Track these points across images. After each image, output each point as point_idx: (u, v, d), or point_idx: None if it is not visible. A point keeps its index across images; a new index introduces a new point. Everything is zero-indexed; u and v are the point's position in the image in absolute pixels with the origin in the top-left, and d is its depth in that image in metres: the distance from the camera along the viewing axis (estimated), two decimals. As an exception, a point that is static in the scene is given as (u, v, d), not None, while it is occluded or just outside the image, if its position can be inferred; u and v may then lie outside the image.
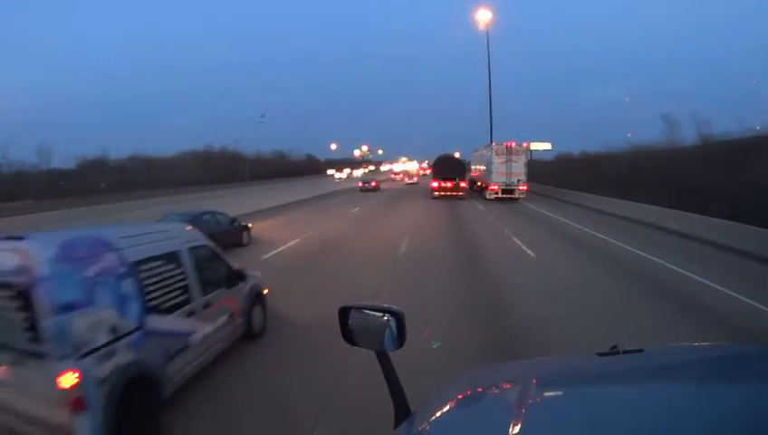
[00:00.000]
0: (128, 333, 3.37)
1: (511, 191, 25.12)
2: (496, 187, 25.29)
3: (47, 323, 2.93)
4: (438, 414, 1.09)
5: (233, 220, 12.21)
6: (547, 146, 44.57)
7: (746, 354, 1.40)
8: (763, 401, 0.95)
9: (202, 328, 4.23)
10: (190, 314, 4.10)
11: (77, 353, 3.00)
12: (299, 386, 4.24)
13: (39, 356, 2.98)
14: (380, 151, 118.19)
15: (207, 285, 4.44)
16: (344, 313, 1.52)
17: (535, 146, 42.40)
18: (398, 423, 1.25)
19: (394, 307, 1.45)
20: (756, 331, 5.54)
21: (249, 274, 5.46)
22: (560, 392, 1.26)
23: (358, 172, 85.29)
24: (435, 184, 28.55)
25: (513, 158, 25.37)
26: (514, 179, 25.19)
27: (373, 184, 38.35)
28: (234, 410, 3.90)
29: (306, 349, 5.12)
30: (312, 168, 79.18)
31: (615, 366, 1.30)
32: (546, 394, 1.23)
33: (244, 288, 5.19)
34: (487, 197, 25.89)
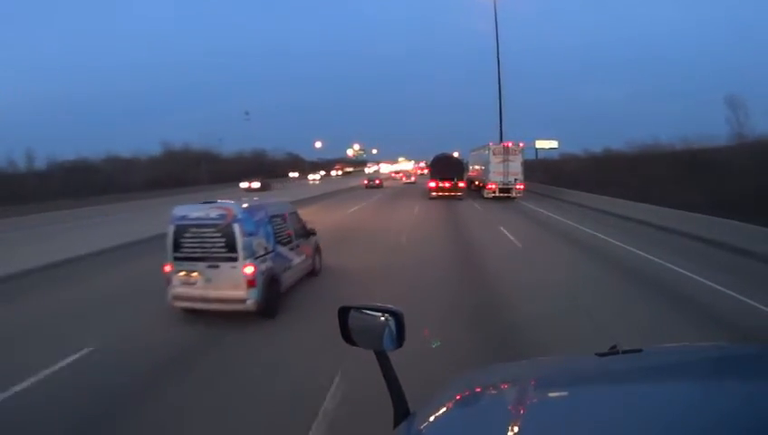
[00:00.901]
0: (270, 252, 6.54)
1: (508, 190, 25.97)
2: (494, 186, 26.23)
3: (241, 241, 6.07)
4: (438, 414, 1.11)
5: None
6: (553, 144, 43.16)
7: (746, 354, 1.41)
8: (763, 401, 0.96)
9: (296, 259, 7.41)
10: (292, 249, 7.29)
11: (252, 257, 6.15)
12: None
13: (233, 260, 6.11)
14: (375, 151, 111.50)
15: (297, 235, 7.63)
16: (344, 313, 1.52)
17: (541, 144, 41.68)
18: (397, 423, 1.27)
19: (393, 307, 1.46)
20: None
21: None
22: (559, 393, 1.26)
23: (316, 176, 70.27)
24: (432, 184, 27.68)
25: (511, 157, 26.10)
26: (511, 179, 26.05)
27: (377, 182, 42.18)
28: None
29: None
30: (294, 168, 74.33)
31: (614, 366, 1.30)
32: (545, 395, 1.24)
33: (312, 240, 8.38)
34: (485, 196, 27.14)
